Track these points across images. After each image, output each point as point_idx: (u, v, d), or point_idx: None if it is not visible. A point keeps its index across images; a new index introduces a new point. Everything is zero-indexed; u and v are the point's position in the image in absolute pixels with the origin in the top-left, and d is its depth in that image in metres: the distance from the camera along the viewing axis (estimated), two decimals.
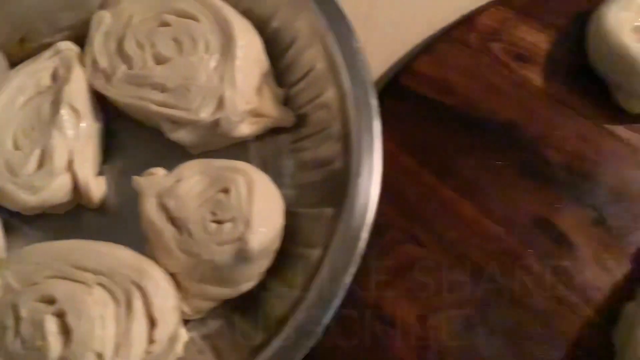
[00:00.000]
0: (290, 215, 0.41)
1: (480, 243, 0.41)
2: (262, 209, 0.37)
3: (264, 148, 0.44)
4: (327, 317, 0.35)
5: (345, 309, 0.39)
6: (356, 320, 0.39)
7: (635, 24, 0.41)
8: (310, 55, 0.42)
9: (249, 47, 0.41)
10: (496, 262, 0.40)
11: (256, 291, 0.40)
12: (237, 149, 0.43)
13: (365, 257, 0.40)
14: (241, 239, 0.36)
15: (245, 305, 0.40)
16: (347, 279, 0.36)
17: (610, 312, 0.38)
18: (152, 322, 0.35)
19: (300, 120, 0.43)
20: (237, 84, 0.40)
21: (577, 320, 0.39)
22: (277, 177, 0.43)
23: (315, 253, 0.38)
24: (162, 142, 0.42)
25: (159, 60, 0.41)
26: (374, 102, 0.39)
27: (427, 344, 0.39)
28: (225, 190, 0.38)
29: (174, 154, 0.42)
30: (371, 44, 0.47)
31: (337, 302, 0.36)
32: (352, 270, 0.36)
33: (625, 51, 0.40)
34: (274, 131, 0.44)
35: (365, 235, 0.37)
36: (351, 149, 0.38)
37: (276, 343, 0.35)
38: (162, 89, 0.40)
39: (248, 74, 0.40)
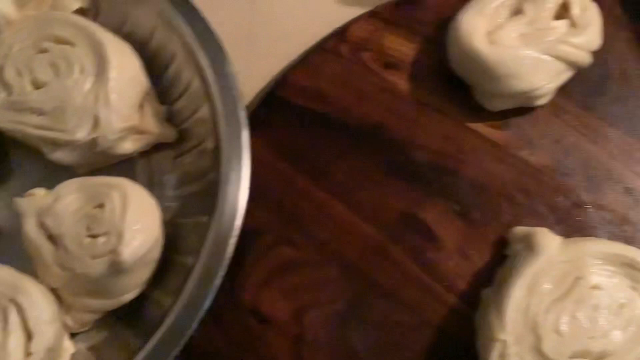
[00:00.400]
0: (173, 226, 0.43)
1: (352, 241, 0.43)
2: (135, 221, 0.39)
3: (149, 163, 0.46)
4: (197, 320, 0.37)
5: (223, 310, 0.41)
6: (234, 320, 0.41)
7: (489, 29, 0.44)
8: (187, 74, 0.44)
9: (124, 67, 0.43)
10: (366, 258, 0.43)
11: (139, 301, 0.42)
12: (123, 165, 0.46)
13: (243, 260, 0.42)
14: (114, 252, 0.38)
15: (129, 315, 0.42)
16: (217, 282, 0.38)
17: (472, 298, 0.41)
18: (28, 335, 0.37)
19: (182, 135, 0.46)
20: (112, 103, 0.42)
21: (442, 308, 0.42)
22: (161, 190, 0.45)
23: (191, 260, 0.40)
24: (52, 163, 0.44)
25: (37, 85, 0.42)
26: (242, 116, 0.41)
27: (302, 339, 0.41)
28: (101, 206, 0.40)
29: (62, 175, 0.43)
30: (253, 59, 0.50)
31: (206, 304, 0.38)
32: (221, 273, 0.38)
33: (477, 55, 0.43)
34: (158, 147, 0.46)
35: (233, 240, 0.39)
36: (221, 160, 0.41)
37: (149, 345, 0.37)
38: (40, 112, 0.42)
39: (123, 94, 0.42)
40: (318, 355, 0.40)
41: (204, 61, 0.43)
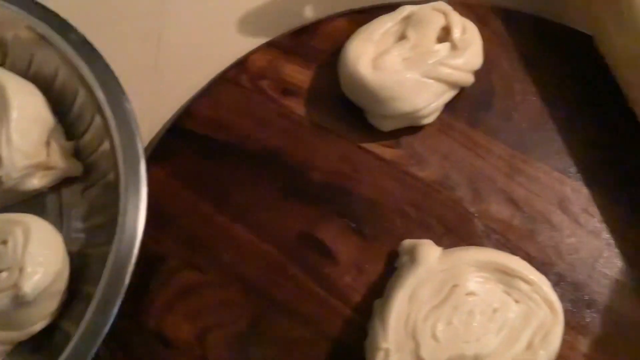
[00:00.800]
0: (81, 257, 0.45)
1: (253, 262, 0.45)
2: (37, 255, 0.41)
3: (59, 197, 0.48)
4: (96, 347, 0.39)
5: (129, 335, 0.43)
6: (140, 345, 0.43)
7: (375, 55, 0.47)
8: (90, 111, 0.46)
9: (26, 107, 0.45)
10: (267, 278, 0.45)
11: (50, 331, 0.43)
12: (34, 201, 0.47)
13: (148, 286, 0.44)
14: (15, 286, 0.40)
15: (41, 346, 0.44)
16: (115, 309, 0.40)
17: (367, 310, 0.43)
18: None
19: (88, 169, 0.48)
20: (14, 143, 0.44)
21: (340, 321, 0.44)
22: (70, 223, 0.47)
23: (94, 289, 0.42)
24: None
25: None
26: (139, 148, 0.44)
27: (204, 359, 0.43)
28: (4, 242, 0.41)
29: None
30: (160, 92, 0.52)
31: (105, 331, 0.39)
32: (119, 300, 0.40)
33: (362, 80, 0.46)
34: (67, 181, 0.48)
35: (131, 268, 0.41)
36: (119, 191, 0.43)
37: None
38: None
39: (26, 132, 0.44)
40: None
41: (102, 98, 0.45)
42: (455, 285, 0.40)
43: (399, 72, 0.46)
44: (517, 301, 0.40)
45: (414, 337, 0.39)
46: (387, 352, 0.38)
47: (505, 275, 0.40)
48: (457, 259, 0.41)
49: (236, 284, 0.45)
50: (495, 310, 0.39)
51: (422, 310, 0.39)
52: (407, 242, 0.44)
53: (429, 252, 0.41)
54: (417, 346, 0.38)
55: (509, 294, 0.40)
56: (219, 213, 0.46)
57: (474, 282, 0.40)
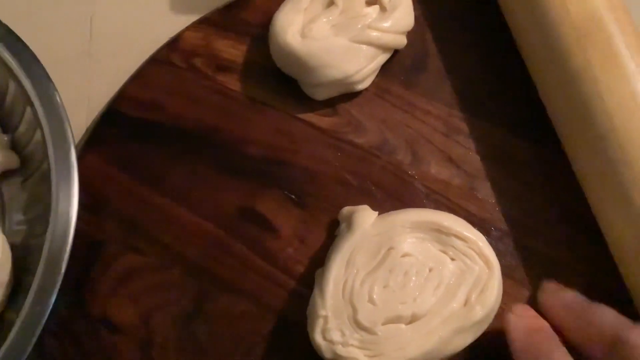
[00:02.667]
0: (24, 248, 0.45)
1: (193, 240, 0.45)
2: None
3: (0, 191, 0.48)
4: (35, 336, 0.39)
5: (74, 323, 0.43)
6: (86, 332, 0.43)
7: (304, 24, 0.46)
8: (20, 103, 0.46)
9: None
10: (208, 255, 0.44)
11: None
12: None
13: (90, 272, 0.44)
14: None
15: None
16: (52, 297, 0.40)
17: (310, 281, 0.43)
18: None
19: (26, 161, 0.47)
20: None
21: (284, 294, 0.44)
22: (12, 216, 0.47)
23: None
24: None
25: None
26: (69, 136, 0.43)
27: (151, 342, 0.43)
28: None
29: None
30: (95, 77, 0.51)
31: (43, 320, 0.39)
32: (56, 289, 0.40)
33: (289, 49, 0.45)
34: (6, 174, 0.48)
35: (66, 255, 0.41)
36: (51, 180, 0.42)
37: None
38: None
39: None
40: (167, 355, 0.42)
41: (30, 89, 0.44)
42: (390, 248, 0.40)
43: (327, 39, 0.45)
44: (452, 259, 0.40)
45: (351, 302, 0.39)
46: (325, 320, 0.38)
47: (440, 233, 0.40)
48: (391, 221, 0.41)
49: (178, 264, 0.44)
50: (431, 270, 0.39)
51: (359, 275, 0.39)
52: (346, 210, 0.44)
53: (365, 217, 0.41)
54: (354, 311, 0.38)
55: (444, 252, 0.40)
56: (156, 195, 0.46)
57: (409, 243, 0.40)
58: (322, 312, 0.39)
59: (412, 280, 0.39)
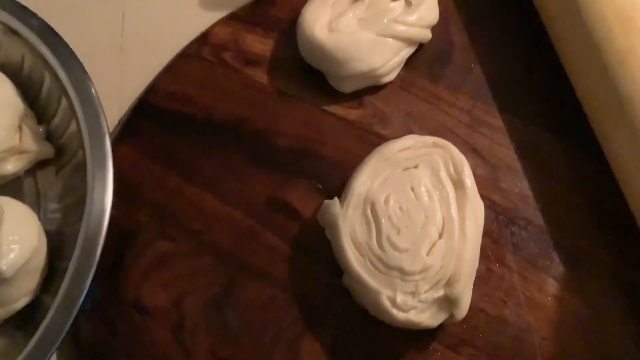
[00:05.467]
0: (58, 235, 0.46)
1: (223, 229, 0.46)
2: (12, 234, 0.42)
3: (35, 180, 0.50)
4: (71, 319, 0.40)
5: (108, 307, 0.44)
6: (119, 315, 0.44)
7: (331, 18, 0.48)
8: (56, 94, 0.48)
9: None
10: (238, 243, 0.46)
11: (33, 307, 0.45)
12: (11, 186, 0.49)
13: (123, 259, 0.45)
14: None
15: (25, 322, 0.45)
16: (88, 282, 0.41)
17: (337, 268, 0.44)
18: None
19: (61, 151, 0.49)
20: None
21: (311, 280, 0.45)
22: (47, 204, 0.49)
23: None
24: None
25: None
26: (104, 126, 0.45)
27: (182, 326, 0.44)
28: None
29: None
30: (126, 71, 0.53)
31: (78, 304, 0.41)
32: (91, 274, 0.41)
33: (317, 43, 0.46)
34: (41, 164, 0.49)
35: (101, 240, 0.42)
36: (87, 169, 0.44)
37: (30, 345, 0.40)
38: None
39: None
40: (198, 340, 0.43)
41: (66, 81, 0.46)
42: (372, 203, 0.42)
43: (354, 33, 0.47)
44: (415, 166, 0.43)
45: (389, 268, 0.40)
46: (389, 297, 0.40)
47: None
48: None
49: (208, 252, 0.46)
50: (412, 189, 0.42)
51: (373, 242, 0.41)
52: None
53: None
54: (400, 271, 0.40)
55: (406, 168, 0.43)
56: (187, 184, 0.47)
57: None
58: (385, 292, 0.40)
59: (411, 214, 0.41)
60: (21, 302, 0.44)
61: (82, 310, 0.41)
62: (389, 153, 0.43)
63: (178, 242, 0.46)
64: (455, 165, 0.43)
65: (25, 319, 0.45)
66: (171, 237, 0.46)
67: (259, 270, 0.45)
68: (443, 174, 0.42)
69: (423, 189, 0.41)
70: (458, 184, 0.42)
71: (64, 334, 0.40)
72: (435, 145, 0.43)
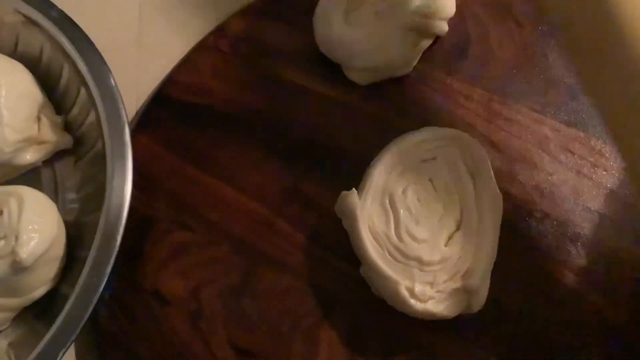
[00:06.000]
0: (76, 225, 0.47)
1: (240, 219, 0.46)
2: (32, 223, 0.42)
3: (53, 170, 0.50)
4: (91, 307, 0.41)
5: (126, 295, 0.45)
6: (137, 304, 0.45)
7: (348, 11, 0.48)
8: (75, 85, 0.48)
9: (14, 85, 0.46)
10: (254, 233, 0.46)
11: (51, 296, 0.45)
12: (30, 175, 0.49)
13: (142, 248, 0.46)
14: (13, 252, 0.42)
15: (44, 311, 0.46)
16: (107, 270, 0.41)
17: (352, 257, 0.44)
18: None
19: (79, 141, 0.49)
20: (4, 119, 0.45)
21: (327, 270, 0.45)
22: (65, 194, 0.49)
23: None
24: None
25: None
26: (123, 117, 0.45)
27: (200, 314, 0.44)
28: (0, 212, 0.43)
29: None
30: (144, 63, 0.53)
31: (98, 292, 0.41)
32: (111, 262, 0.42)
33: (335, 36, 0.47)
34: (59, 154, 0.50)
35: (121, 229, 0.42)
36: (106, 159, 0.44)
37: (50, 332, 0.41)
38: None
39: (15, 109, 0.46)
40: (215, 327, 0.44)
41: (86, 72, 0.46)
42: (391, 194, 0.43)
43: (371, 25, 0.47)
44: (433, 158, 0.44)
45: (407, 259, 0.41)
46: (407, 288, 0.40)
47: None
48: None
49: (225, 241, 0.46)
50: (430, 180, 0.43)
51: (391, 233, 0.42)
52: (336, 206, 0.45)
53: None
54: (419, 261, 0.40)
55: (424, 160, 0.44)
56: (205, 175, 0.48)
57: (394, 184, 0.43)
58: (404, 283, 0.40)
59: (429, 205, 0.42)
60: (40, 291, 0.44)
61: (101, 299, 0.41)
62: (406, 145, 0.43)
63: (195, 231, 0.46)
64: (473, 157, 0.43)
65: (45, 308, 0.46)
66: (189, 227, 0.46)
67: (276, 260, 0.45)
68: (461, 166, 0.42)
69: (441, 180, 0.42)
70: (476, 176, 0.42)
71: (83, 323, 0.40)
72: (452, 137, 0.44)
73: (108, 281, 0.42)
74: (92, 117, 0.47)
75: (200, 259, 0.46)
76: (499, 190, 0.43)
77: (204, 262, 0.46)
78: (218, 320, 0.44)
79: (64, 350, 0.40)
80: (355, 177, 0.46)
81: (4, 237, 0.42)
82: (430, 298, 0.39)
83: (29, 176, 0.49)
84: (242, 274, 0.45)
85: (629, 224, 0.45)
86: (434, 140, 0.43)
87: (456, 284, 0.40)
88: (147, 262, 0.46)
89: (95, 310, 0.41)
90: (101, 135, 0.45)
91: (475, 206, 0.42)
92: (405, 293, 0.40)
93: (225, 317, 0.44)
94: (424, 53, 0.49)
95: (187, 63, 0.51)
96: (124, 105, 0.46)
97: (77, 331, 0.41)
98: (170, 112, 0.50)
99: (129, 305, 0.45)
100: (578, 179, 0.46)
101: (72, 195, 0.49)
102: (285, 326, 0.44)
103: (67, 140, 0.49)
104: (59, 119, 0.49)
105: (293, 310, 0.44)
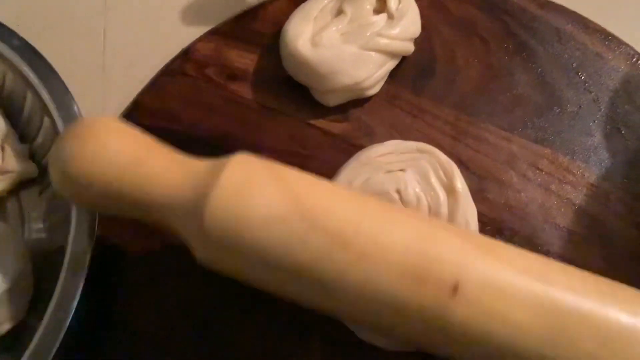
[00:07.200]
0: (44, 255, 0.46)
1: None
2: None
3: (19, 201, 0.49)
4: (57, 343, 0.40)
5: (95, 329, 0.44)
6: (107, 337, 0.44)
7: (314, 32, 0.48)
8: (38, 113, 0.47)
9: None
10: None
11: (20, 330, 0.44)
12: None
13: (110, 279, 0.45)
14: None
15: (13, 345, 0.45)
16: (74, 304, 0.41)
17: None
18: None
19: (44, 170, 0.48)
20: None
21: None
22: (31, 224, 0.48)
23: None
24: None
25: None
26: None
27: (169, 347, 0.44)
28: None
29: None
30: (109, 89, 0.53)
31: (66, 325, 0.40)
32: (78, 295, 0.41)
33: (300, 57, 0.47)
34: (25, 184, 0.49)
35: (87, 259, 0.42)
36: None
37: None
38: None
39: None
40: None
41: (48, 100, 0.46)
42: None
43: (337, 47, 0.47)
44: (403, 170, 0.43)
45: None
46: None
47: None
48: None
49: (198, 270, 0.45)
50: (398, 191, 0.42)
51: None
52: None
53: None
54: None
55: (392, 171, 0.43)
56: None
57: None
58: None
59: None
60: (6, 326, 0.43)
61: (69, 331, 0.40)
62: (367, 158, 0.43)
63: (166, 260, 0.46)
64: (445, 170, 0.43)
65: (12, 342, 0.45)
66: (159, 255, 0.46)
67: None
68: (433, 179, 0.42)
69: (411, 191, 0.41)
70: (449, 189, 0.42)
71: (51, 356, 0.40)
72: (420, 150, 0.43)
73: (75, 315, 0.41)
74: None
75: (172, 289, 0.45)
76: (473, 203, 0.42)
77: (176, 293, 0.45)
78: (189, 355, 0.43)
79: None
80: None
81: None
82: None
83: None
84: (216, 305, 0.44)
85: (598, 241, 0.45)
86: (398, 154, 0.43)
87: None
88: (116, 293, 0.45)
89: (64, 344, 0.41)
90: None
91: (449, 220, 0.41)
92: None
93: (196, 352, 0.43)
94: (390, 73, 0.49)
95: (152, 88, 0.50)
96: None
97: None
98: None
99: (99, 338, 0.44)
100: (546, 195, 0.46)
101: (38, 225, 0.48)
102: None
103: (32, 170, 0.48)
104: (23, 148, 0.48)
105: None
